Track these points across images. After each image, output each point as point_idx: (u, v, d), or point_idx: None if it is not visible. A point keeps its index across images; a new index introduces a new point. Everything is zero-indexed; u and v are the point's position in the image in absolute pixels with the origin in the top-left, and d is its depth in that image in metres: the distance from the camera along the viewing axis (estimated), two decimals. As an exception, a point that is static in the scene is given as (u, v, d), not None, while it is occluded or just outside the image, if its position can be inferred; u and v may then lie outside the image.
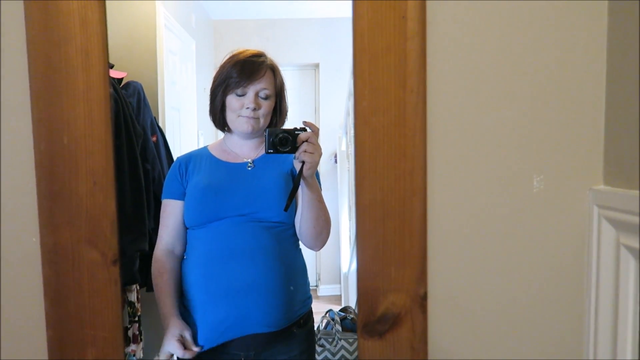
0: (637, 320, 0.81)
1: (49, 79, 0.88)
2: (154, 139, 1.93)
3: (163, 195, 1.28)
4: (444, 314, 0.94)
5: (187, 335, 1.17)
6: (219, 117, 1.28)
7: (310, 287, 1.34)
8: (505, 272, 0.94)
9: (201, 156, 1.30)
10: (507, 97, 0.91)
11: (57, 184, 0.90)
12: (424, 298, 0.92)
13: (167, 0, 2.35)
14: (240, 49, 1.27)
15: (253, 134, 1.26)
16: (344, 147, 3.42)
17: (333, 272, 3.91)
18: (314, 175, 1.15)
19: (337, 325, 2.00)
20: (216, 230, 1.19)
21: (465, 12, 0.90)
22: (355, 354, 1.94)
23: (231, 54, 1.27)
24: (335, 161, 3.73)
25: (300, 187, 1.15)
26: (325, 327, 2.02)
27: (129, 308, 1.68)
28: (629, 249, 0.82)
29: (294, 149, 1.10)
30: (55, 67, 0.88)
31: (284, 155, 1.12)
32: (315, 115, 4.00)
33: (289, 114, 1.35)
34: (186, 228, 1.25)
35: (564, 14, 0.90)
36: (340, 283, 3.75)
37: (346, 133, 3.22)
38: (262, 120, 1.24)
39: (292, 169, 1.24)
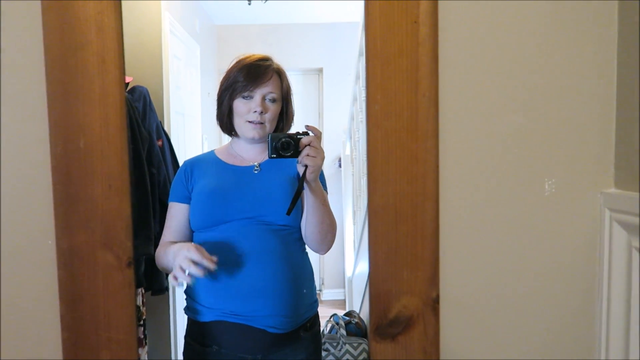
0: (650, 323, 0.82)
1: (65, 83, 0.89)
2: (160, 143, 1.93)
3: (169, 197, 1.29)
4: (456, 317, 0.95)
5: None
6: (226, 121, 1.28)
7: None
8: (516, 275, 0.94)
9: (208, 160, 1.30)
10: (518, 101, 0.92)
11: (73, 187, 0.90)
12: (436, 301, 0.93)
13: (172, 5, 2.37)
14: (247, 54, 1.28)
15: (260, 139, 1.27)
16: (348, 152, 3.42)
17: (337, 277, 3.91)
18: (318, 179, 1.16)
19: (341, 329, 2.00)
20: (223, 233, 1.19)
21: (476, 18, 0.91)
22: (360, 358, 1.94)
23: (237, 59, 1.27)
24: (340, 165, 3.73)
25: (304, 190, 1.16)
26: (330, 331, 2.02)
27: (134, 312, 1.69)
28: (641, 251, 0.83)
29: (297, 153, 1.11)
30: (72, 72, 0.89)
31: (290, 159, 1.13)
32: (319, 120, 4.01)
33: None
34: (190, 231, 1.25)
35: (574, 17, 0.91)
36: (344, 287, 3.74)
37: (350, 137, 3.23)
38: (268, 126, 1.25)
39: (299, 173, 1.24)
